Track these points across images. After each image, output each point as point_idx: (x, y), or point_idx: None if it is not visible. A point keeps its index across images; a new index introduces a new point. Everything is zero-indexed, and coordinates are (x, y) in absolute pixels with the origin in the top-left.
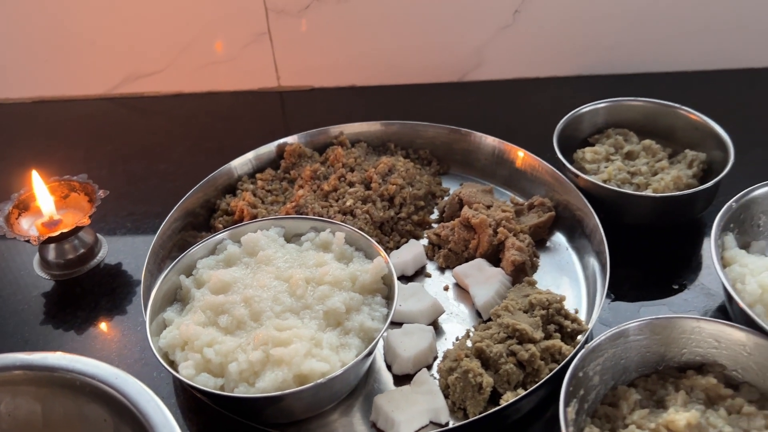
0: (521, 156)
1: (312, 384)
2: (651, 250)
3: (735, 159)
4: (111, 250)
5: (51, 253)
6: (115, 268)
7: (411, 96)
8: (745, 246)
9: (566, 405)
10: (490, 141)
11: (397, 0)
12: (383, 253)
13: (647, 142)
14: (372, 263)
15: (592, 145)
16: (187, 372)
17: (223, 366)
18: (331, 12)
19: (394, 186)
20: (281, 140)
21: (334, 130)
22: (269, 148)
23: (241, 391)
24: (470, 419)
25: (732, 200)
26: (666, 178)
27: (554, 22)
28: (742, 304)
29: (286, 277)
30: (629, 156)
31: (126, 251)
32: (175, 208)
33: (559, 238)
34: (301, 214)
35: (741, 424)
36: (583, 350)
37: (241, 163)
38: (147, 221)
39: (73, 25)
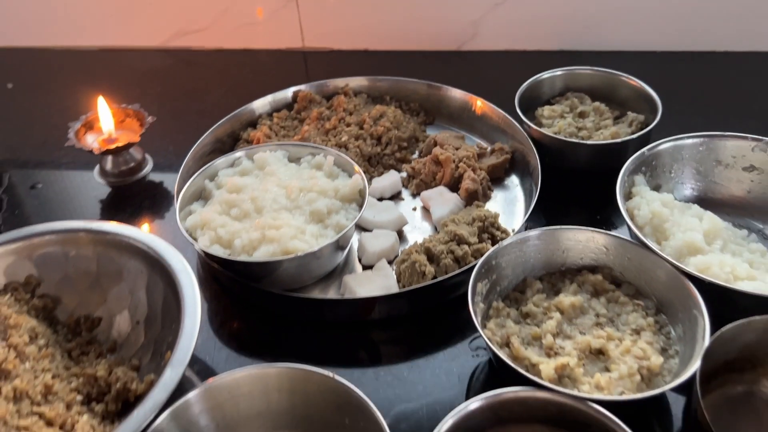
0: (479, 105)
1: (293, 255)
2: (584, 189)
3: (662, 119)
4: (155, 166)
5: (108, 164)
6: (157, 180)
7: (415, 60)
8: (656, 187)
9: (477, 280)
10: (458, 93)
11: None
12: (361, 173)
13: (597, 104)
14: (351, 179)
15: (553, 105)
16: (203, 243)
17: (230, 241)
18: None
19: (382, 128)
20: (296, 87)
21: (340, 82)
22: (286, 93)
23: (243, 258)
24: (407, 288)
25: (645, 149)
26: (605, 132)
27: (539, 3)
28: (628, 220)
29: (284, 185)
30: (581, 115)
31: (166, 167)
32: (206, 134)
33: (513, 179)
34: None
35: (615, 310)
36: (496, 246)
37: (262, 104)
38: (184, 145)
39: None
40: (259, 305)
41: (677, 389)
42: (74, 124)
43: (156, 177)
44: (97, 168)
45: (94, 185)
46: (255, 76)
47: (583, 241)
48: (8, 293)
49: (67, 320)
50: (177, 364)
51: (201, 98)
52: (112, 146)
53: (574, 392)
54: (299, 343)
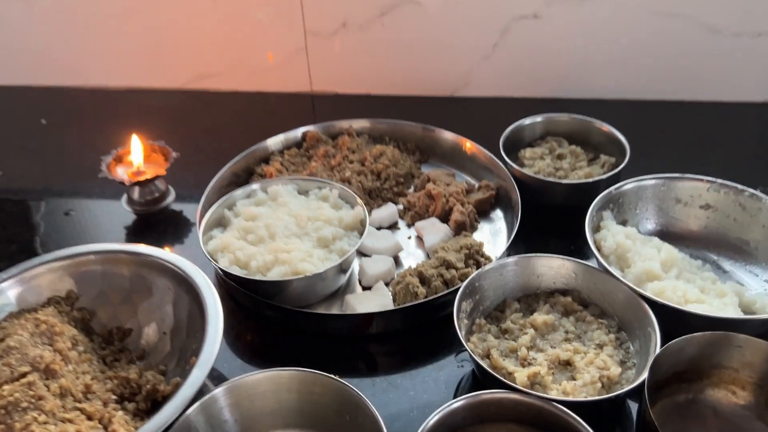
0: (469, 146)
1: (302, 276)
2: (560, 222)
3: (630, 161)
4: (176, 196)
5: (135, 194)
6: (178, 209)
7: (413, 104)
8: (622, 222)
9: (462, 300)
10: (449, 135)
11: (404, 30)
12: (362, 204)
13: (573, 147)
14: (353, 210)
15: (534, 147)
16: (224, 263)
17: (247, 263)
18: (354, 37)
19: (382, 165)
20: (305, 128)
21: (345, 123)
22: (296, 132)
23: (258, 277)
24: (401, 306)
25: (612, 188)
26: (579, 172)
27: (523, 56)
28: (594, 250)
29: (294, 214)
30: (559, 157)
31: (186, 198)
32: (224, 168)
33: (498, 213)
34: None
35: (582, 327)
36: (479, 270)
37: (274, 142)
38: (204, 179)
39: (160, 30)
40: (270, 319)
41: (633, 396)
42: (106, 158)
43: (177, 206)
44: (124, 197)
45: (122, 213)
46: (267, 117)
47: (555, 268)
48: (51, 306)
49: (101, 331)
50: (203, 365)
51: (219, 136)
52: (141, 178)
53: (542, 395)
54: (306, 353)
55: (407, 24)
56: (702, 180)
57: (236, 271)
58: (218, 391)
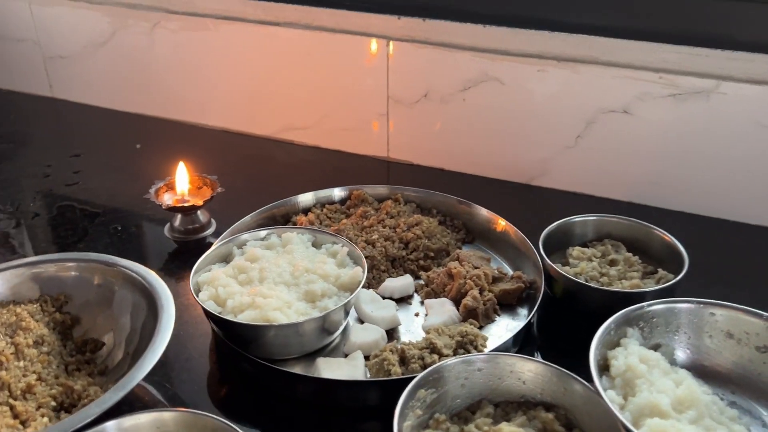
0: (502, 225)
1: (267, 324)
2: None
3: (691, 281)
4: (217, 231)
5: (177, 221)
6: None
7: (484, 185)
8: (654, 347)
9: (419, 386)
10: (483, 212)
11: (485, 108)
12: (364, 267)
13: (629, 255)
14: (352, 270)
15: (586, 246)
16: (202, 296)
17: (224, 301)
18: (434, 109)
19: (412, 235)
20: (354, 186)
21: (395, 190)
22: (345, 190)
23: (226, 317)
24: (365, 379)
25: (645, 303)
26: (625, 283)
27: (607, 153)
28: (593, 369)
29: (294, 263)
30: (612, 263)
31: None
32: (261, 209)
33: (524, 309)
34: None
35: None
36: (443, 360)
37: (321, 195)
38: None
39: (258, 80)
40: (243, 369)
41: None
42: (158, 183)
43: (217, 235)
44: (167, 225)
45: (163, 238)
46: (340, 175)
47: (542, 376)
48: (38, 303)
49: (77, 339)
50: (119, 388)
51: (284, 183)
52: (178, 205)
53: None
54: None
55: (489, 102)
56: (764, 317)
57: (211, 306)
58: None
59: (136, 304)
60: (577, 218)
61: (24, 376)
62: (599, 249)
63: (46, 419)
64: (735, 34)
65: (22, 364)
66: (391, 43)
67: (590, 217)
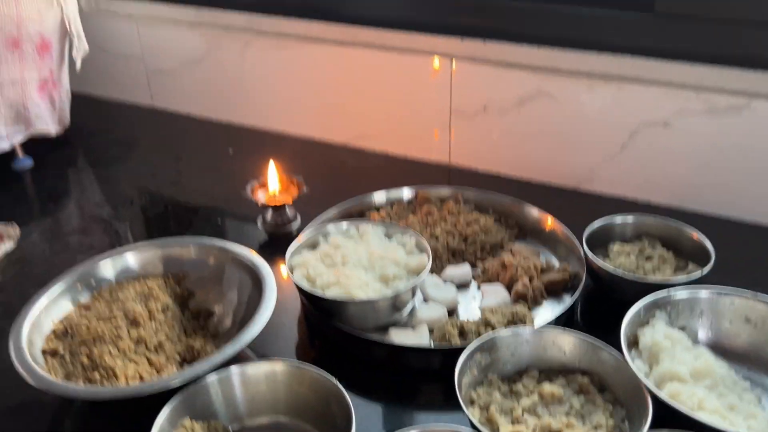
0: (550, 223)
1: (351, 300)
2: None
3: (718, 275)
4: (302, 224)
5: (269, 216)
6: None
7: (535, 188)
8: (679, 328)
9: (476, 351)
10: (535, 211)
11: (538, 120)
12: (429, 254)
13: (663, 251)
14: (419, 256)
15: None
16: (296, 275)
17: (314, 279)
18: (492, 120)
19: (471, 231)
20: (420, 187)
21: (457, 191)
22: (411, 191)
23: (316, 293)
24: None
25: (670, 289)
26: (658, 275)
27: (649, 161)
28: (623, 344)
29: (370, 251)
30: (648, 258)
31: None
32: (340, 204)
33: (568, 297)
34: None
35: (588, 408)
36: (499, 330)
37: (392, 194)
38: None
39: (334, 91)
40: (329, 336)
41: None
42: (253, 182)
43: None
44: (260, 218)
45: (256, 230)
46: (404, 179)
47: (579, 347)
48: (161, 278)
49: (193, 309)
50: (234, 344)
51: (357, 184)
52: (271, 203)
53: None
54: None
55: (542, 114)
56: None
57: (303, 284)
58: (235, 368)
59: (242, 281)
60: (617, 217)
61: (155, 334)
62: (637, 245)
63: (174, 369)
64: (765, 55)
65: (153, 325)
66: (454, 61)
67: (629, 217)
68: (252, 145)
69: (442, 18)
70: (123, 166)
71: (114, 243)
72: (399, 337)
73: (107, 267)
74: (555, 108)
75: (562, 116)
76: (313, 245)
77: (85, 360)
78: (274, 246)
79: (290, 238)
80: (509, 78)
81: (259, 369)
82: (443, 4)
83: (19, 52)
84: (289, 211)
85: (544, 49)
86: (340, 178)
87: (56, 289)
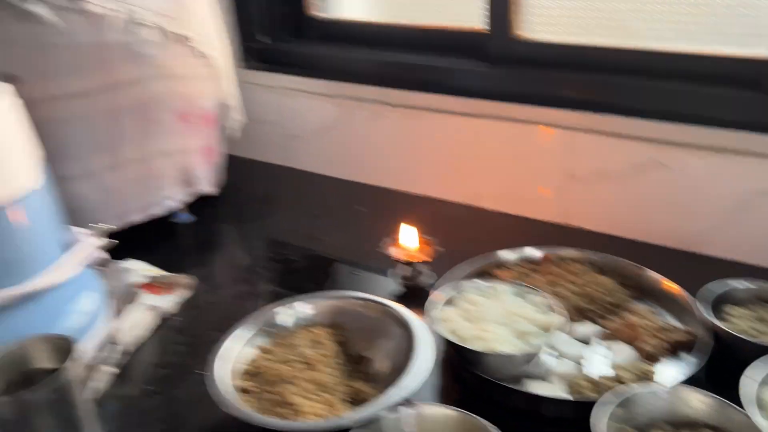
0: (666, 285)
1: (488, 352)
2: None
3: None
4: (431, 277)
5: (405, 270)
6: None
7: (651, 250)
8: None
9: (611, 404)
10: (653, 274)
11: (651, 187)
12: (564, 314)
13: None
14: (553, 316)
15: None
16: (441, 329)
17: (459, 333)
18: (606, 185)
19: (595, 291)
20: (546, 250)
21: (583, 253)
22: (535, 252)
23: (459, 342)
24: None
25: None
26: None
27: (760, 228)
28: (743, 399)
29: (505, 309)
30: (764, 322)
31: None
32: (468, 261)
33: (690, 360)
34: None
35: None
36: (634, 387)
37: (521, 254)
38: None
39: (454, 152)
40: (469, 383)
41: None
42: (387, 239)
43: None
44: (392, 272)
45: (389, 283)
46: (520, 237)
47: (707, 404)
48: (326, 328)
49: (353, 354)
50: (401, 389)
51: (479, 244)
52: (410, 259)
53: None
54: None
55: (654, 181)
56: None
57: (452, 337)
58: (409, 409)
59: (395, 332)
60: (733, 281)
61: (328, 377)
62: (756, 311)
63: (342, 407)
64: None
65: (324, 369)
66: (569, 131)
67: (744, 281)
68: (380, 203)
69: (556, 91)
70: (267, 222)
71: (271, 292)
72: (537, 387)
73: (283, 315)
74: (667, 176)
75: (674, 184)
76: (449, 301)
77: (275, 397)
78: (408, 298)
79: (421, 291)
80: (622, 148)
81: (432, 411)
82: (553, 80)
83: (188, 124)
84: (420, 267)
85: (656, 123)
86: (459, 235)
87: (240, 333)
